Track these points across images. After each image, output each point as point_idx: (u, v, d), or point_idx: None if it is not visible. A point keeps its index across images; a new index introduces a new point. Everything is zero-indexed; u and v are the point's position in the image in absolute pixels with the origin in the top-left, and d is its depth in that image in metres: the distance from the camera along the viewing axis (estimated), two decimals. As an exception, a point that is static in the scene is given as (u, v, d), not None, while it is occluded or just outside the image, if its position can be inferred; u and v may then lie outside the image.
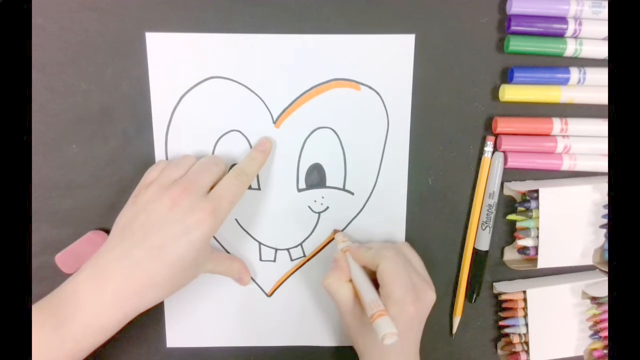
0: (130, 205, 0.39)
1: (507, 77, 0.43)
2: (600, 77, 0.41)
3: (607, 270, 0.43)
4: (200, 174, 0.39)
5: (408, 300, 0.37)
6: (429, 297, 0.39)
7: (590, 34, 0.41)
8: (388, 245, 0.42)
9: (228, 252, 0.45)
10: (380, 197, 0.44)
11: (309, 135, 0.43)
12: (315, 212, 0.45)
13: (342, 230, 0.45)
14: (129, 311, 0.36)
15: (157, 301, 0.37)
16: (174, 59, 0.41)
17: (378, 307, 0.36)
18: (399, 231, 0.45)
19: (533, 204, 0.43)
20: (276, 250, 0.45)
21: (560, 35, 0.41)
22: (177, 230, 0.36)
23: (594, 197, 0.43)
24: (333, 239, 0.45)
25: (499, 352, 0.47)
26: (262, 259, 0.46)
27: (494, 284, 0.46)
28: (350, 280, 0.40)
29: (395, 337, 0.34)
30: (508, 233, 0.45)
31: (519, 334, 0.45)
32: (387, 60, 0.42)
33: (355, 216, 0.45)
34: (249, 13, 0.41)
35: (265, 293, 0.46)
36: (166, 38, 0.41)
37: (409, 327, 0.38)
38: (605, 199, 0.43)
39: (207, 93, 0.42)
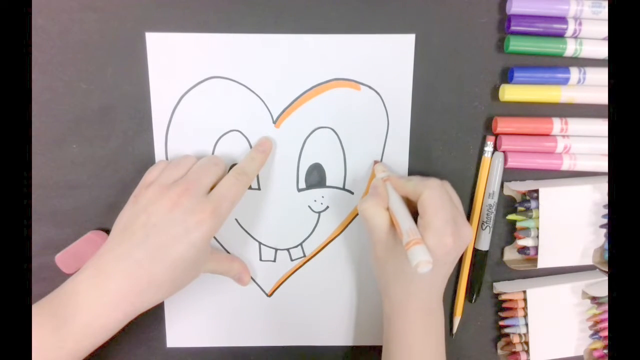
0: (130, 206, 0.39)
1: (507, 77, 0.43)
2: (600, 77, 0.41)
3: (607, 270, 0.43)
4: (201, 174, 0.39)
5: (447, 231, 0.36)
6: (467, 234, 0.38)
7: (590, 34, 0.41)
8: (431, 177, 0.40)
9: (228, 252, 0.45)
10: (380, 197, 0.44)
11: (309, 135, 0.43)
12: (315, 212, 0.45)
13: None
14: (130, 311, 0.36)
15: (158, 301, 0.37)
16: (174, 59, 0.41)
17: (415, 235, 0.35)
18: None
19: (533, 204, 0.43)
20: (276, 250, 0.45)
21: (560, 35, 0.41)
22: (177, 231, 0.36)
23: (594, 197, 0.43)
24: (333, 239, 0.45)
25: (499, 352, 0.47)
26: (262, 259, 0.46)
27: (494, 284, 0.46)
28: (387, 209, 0.39)
29: (430, 265, 0.33)
30: (508, 233, 0.45)
31: (519, 334, 0.45)
32: (387, 60, 0.42)
33: (356, 216, 0.45)
34: (249, 13, 0.41)
35: (265, 293, 0.46)
36: (166, 38, 0.41)
37: (442, 262, 0.37)
38: (605, 199, 0.43)
39: (207, 93, 0.42)
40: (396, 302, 0.39)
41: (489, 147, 0.43)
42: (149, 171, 0.41)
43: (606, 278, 0.44)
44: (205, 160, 0.40)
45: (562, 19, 0.41)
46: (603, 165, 0.43)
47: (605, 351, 0.45)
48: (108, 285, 0.35)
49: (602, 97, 0.42)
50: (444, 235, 0.36)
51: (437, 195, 0.37)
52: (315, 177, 0.44)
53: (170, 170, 0.39)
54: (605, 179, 0.43)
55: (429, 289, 0.39)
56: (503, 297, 0.46)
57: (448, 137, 0.44)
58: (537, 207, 0.43)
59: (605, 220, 0.43)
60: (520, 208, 0.44)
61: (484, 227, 0.44)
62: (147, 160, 0.43)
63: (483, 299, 0.46)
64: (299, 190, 0.44)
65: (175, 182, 0.38)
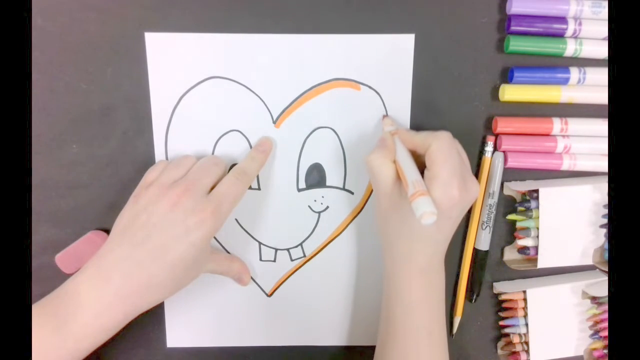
0: (130, 206, 0.39)
1: (507, 77, 0.43)
2: (600, 77, 0.41)
3: (607, 270, 0.43)
4: (201, 174, 0.39)
5: (454, 184, 0.35)
6: (475, 189, 0.37)
7: (590, 34, 0.41)
8: (442, 130, 0.38)
9: (228, 252, 0.45)
10: (380, 197, 0.44)
11: (308, 135, 0.43)
12: (315, 212, 0.45)
13: (341, 233, 0.45)
14: (130, 311, 0.36)
15: (158, 301, 0.37)
16: (173, 59, 0.41)
17: (420, 187, 0.34)
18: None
19: (533, 203, 0.43)
20: (276, 250, 0.45)
21: (560, 35, 0.41)
22: (178, 231, 0.36)
23: (594, 197, 0.43)
24: (333, 239, 0.45)
25: (499, 352, 0.47)
26: (262, 259, 0.46)
27: (494, 284, 0.46)
28: (394, 162, 0.38)
29: (434, 217, 0.32)
30: (508, 233, 0.45)
31: (519, 334, 0.45)
32: (387, 60, 0.42)
33: (356, 216, 0.45)
34: (249, 13, 0.41)
35: (265, 293, 0.46)
36: (166, 38, 0.41)
37: (447, 215, 0.36)
38: (605, 199, 0.43)
39: (207, 93, 0.42)
40: (398, 258, 0.38)
41: (489, 147, 0.43)
42: (149, 171, 0.41)
43: (606, 278, 0.44)
44: (205, 160, 0.40)
45: (562, 19, 0.41)
46: (603, 165, 0.43)
47: (605, 351, 0.45)
48: (108, 286, 0.35)
49: (602, 97, 0.42)
50: (450, 188, 0.35)
51: (446, 147, 0.36)
52: (315, 177, 0.44)
53: (170, 170, 0.39)
54: (605, 179, 0.43)
55: (432, 245, 0.38)
56: (503, 297, 0.46)
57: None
58: (537, 207, 0.43)
59: (605, 220, 0.43)
60: (520, 208, 0.44)
61: (484, 227, 0.44)
62: (147, 160, 0.43)
63: (483, 299, 0.46)
64: (299, 190, 0.44)
65: (175, 182, 0.38)
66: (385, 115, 0.43)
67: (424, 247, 0.38)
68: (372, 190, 0.44)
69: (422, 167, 0.37)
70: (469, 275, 0.45)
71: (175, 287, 0.38)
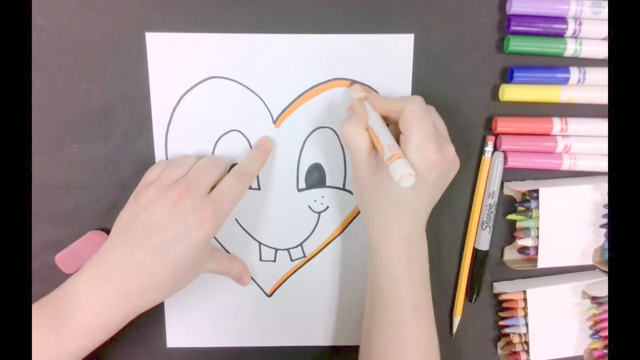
0: (130, 206, 0.39)
1: (507, 77, 0.43)
2: (600, 77, 0.41)
3: (607, 270, 0.43)
4: (201, 174, 0.39)
5: (430, 146, 0.35)
6: (451, 153, 0.37)
7: (590, 34, 0.41)
8: (414, 95, 0.39)
9: (228, 252, 0.45)
10: (380, 197, 0.44)
11: (308, 135, 0.43)
12: (315, 212, 0.45)
13: (342, 230, 0.45)
14: (130, 311, 0.36)
15: (159, 301, 0.37)
16: (173, 59, 0.41)
17: (396, 150, 0.34)
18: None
19: (533, 203, 0.43)
20: (276, 250, 0.45)
21: (560, 35, 0.41)
22: (178, 231, 0.36)
23: (594, 197, 0.43)
24: (333, 239, 0.45)
25: (499, 352, 0.47)
26: (262, 259, 0.46)
27: (494, 283, 0.46)
28: (367, 130, 0.37)
29: (412, 178, 0.32)
30: (508, 233, 0.45)
31: (519, 334, 0.45)
32: (386, 60, 0.42)
33: (356, 216, 0.45)
34: (249, 13, 0.41)
35: (265, 293, 0.46)
36: (166, 38, 0.41)
37: (424, 179, 0.36)
38: (605, 199, 0.43)
39: (207, 93, 0.42)
40: (380, 229, 0.38)
41: (489, 147, 0.43)
42: (149, 171, 0.41)
43: (606, 278, 0.44)
44: (205, 160, 0.40)
45: (562, 19, 0.41)
46: (603, 165, 0.43)
47: (605, 351, 0.45)
48: (108, 285, 0.35)
49: (602, 97, 0.42)
50: (426, 150, 0.35)
51: (419, 110, 0.36)
52: (315, 177, 0.44)
53: (171, 170, 0.39)
54: (605, 179, 0.43)
55: (412, 213, 0.38)
56: (503, 297, 0.46)
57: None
58: (537, 207, 0.43)
59: (605, 220, 0.43)
60: (520, 208, 0.44)
61: (484, 227, 0.44)
62: (147, 160, 0.43)
63: (483, 299, 0.46)
64: (299, 190, 0.44)
65: (175, 182, 0.38)
66: (353, 82, 0.42)
67: (404, 215, 0.37)
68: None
69: (395, 133, 0.37)
70: (469, 275, 0.45)
71: (175, 287, 0.38)
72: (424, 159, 0.35)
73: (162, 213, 0.36)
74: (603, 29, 0.40)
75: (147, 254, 0.35)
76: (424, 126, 0.35)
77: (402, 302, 0.38)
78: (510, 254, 0.46)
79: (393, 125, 0.39)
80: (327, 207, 0.45)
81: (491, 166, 0.43)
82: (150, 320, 0.45)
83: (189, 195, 0.37)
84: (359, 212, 0.45)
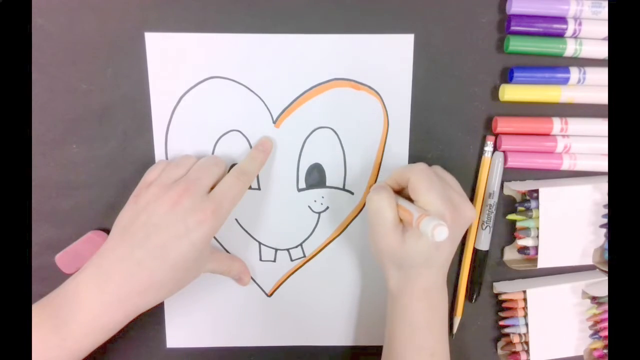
0: (130, 206, 0.39)
1: (507, 77, 0.43)
2: (600, 77, 0.41)
3: (607, 270, 0.43)
4: (201, 174, 0.39)
5: (442, 206, 0.36)
6: (468, 212, 0.38)
7: (590, 34, 0.41)
8: (418, 162, 0.40)
9: (228, 252, 0.45)
10: (380, 197, 0.44)
11: (308, 135, 0.43)
12: (315, 212, 0.45)
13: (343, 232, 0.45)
14: (130, 311, 0.36)
15: (159, 301, 0.37)
16: (173, 59, 0.41)
17: (422, 211, 0.35)
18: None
19: (533, 203, 0.43)
20: (276, 250, 0.45)
21: (560, 35, 0.41)
22: (178, 231, 0.36)
23: (594, 196, 0.43)
24: (333, 239, 0.45)
25: (499, 352, 0.47)
26: (262, 259, 0.46)
27: (494, 284, 0.46)
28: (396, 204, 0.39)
29: (445, 229, 0.32)
30: (508, 233, 0.45)
31: (519, 334, 0.45)
32: (386, 60, 0.42)
33: (356, 216, 0.45)
34: (249, 13, 0.41)
35: (265, 293, 0.46)
36: (166, 38, 0.41)
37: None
38: (605, 199, 0.43)
39: (207, 93, 0.42)
40: (401, 281, 0.39)
41: (489, 147, 0.43)
42: (149, 171, 0.41)
43: (606, 278, 0.44)
44: (205, 160, 0.40)
45: (562, 19, 0.41)
46: (603, 165, 0.43)
47: (605, 351, 0.45)
48: (109, 285, 0.35)
49: (602, 97, 0.42)
50: (439, 211, 0.36)
51: (423, 176, 0.37)
52: (315, 177, 0.44)
53: (171, 170, 0.39)
54: (605, 179, 0.43)
55: (435, 267, 0.39)
56: (503, 297, 0.46)
57: (448, 137, 0.44)
58: (537, 207, 0.43)
59: (605, 220, 0.43)
60: (520, 208, 0.44)
61: (484, 227, 0.44)
62: (147, 160, 0.43)
63: (483, 299, 0.46)
64: (299, 190, 0.44)
65: (175, 182, 0.38)
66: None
67: (426, 269, 0.38)
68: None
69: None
70: (469, 275, 0.45)
71: (175, 287, 0.38)
72: (439, 214, 0.36)
73: (162, 213, 0.36)
74: (603, 29, 0.40)
75: (147, 254, 0.35)
76: (432, 190, 0.37)
77: (419, 352, 0.38)
78: (510, 254, 0.46)
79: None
80: (327, 207, 0.45)
81: (491, 166, 0.43)
82: (150, 320, 0.45)
83: (188, 195, 0.37)
84: (359, 212, 0.45)
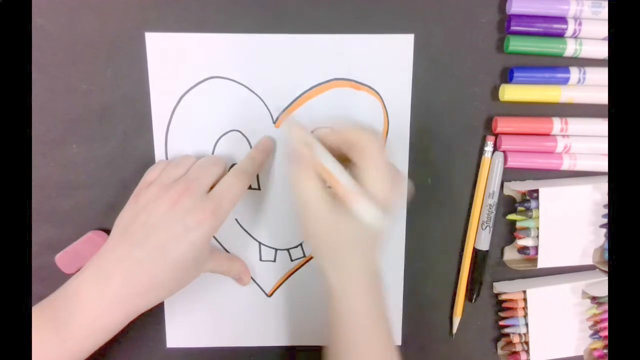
0: (130, 205, 0.39)
1: (507, 77, 0.43)
2: (600, 77, 0.41)
3: (607, 270, 0.43)
4: (201, 173, 0.39)
5: (388, 178, 0.34)
6: (402, 183, 0.37)
7: (590, 34, 0.41)
8: (362, 125, 0.36)
9: (228, 252, 0.45)
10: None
11: (309, 135, 0.43)
12: (315, 212, 0.45)
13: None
14: (131, 312, 0.36)
15: (159, 301, 0.37)
16: (173, 59, 0.41)
17: (358, 190, 0.33)
18: (399, 231, 0.45)
19: (533, 203, 0.43)
20: (276, 250, 0.45)
21: (560, 35, 0.41)
22: (178, 230, 0.36)
23: (594, 196, 0.43)
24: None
25: (499, 352, 0.47)
26: (262, 259, 0.46)
27: (494, 284, 0.46)
28: (317, 176, 0.35)
29: (380, 215, 0.31)
30: (508, 233, 0.45)
31: (519, 334, 0.45)
32: (386, 60, 0.42)
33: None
34: (249, 13, 0.41)
35: (265, 293, 0.46)
36: (166, 38, 0.41)
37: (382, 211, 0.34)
38: (605, 199, 0.43)
39: (207, 93, 0.42)
40: (338, 266, 0.37)
41: (489, 147, 0.43)
42: (149, 171, 0.41)
43: (606, 278, 0.44)
44: (205, 160, 0.40)
45: (562, 19, 0.41)
46: (603, 165, 0.43)
47: (605, 351, 0.45)
48: (109, 286, 0.35)
49: (602, 97, 0.42)
50: (385, 182, 0.34)
51: (377, 142, 0.35)
52: (315, 177, 0.44)
53: (170, 169, 0.39)
54: (605, 179, 0.43)
55: (371, 245, 0.37)
56: (503, 297, 0.46)
57: (448, 137, 0.44)
58: (537, 207, 0.43)
59: (605, 220, 0.43)
60: (520, 208, 0.44)
61: (484, 227, 0.44)
62: (147, 160, 0.43)
63: (483, 299, 0.46)
64: (299, 190, 0.44)
65: (175, 182, 0.38)
66: (286, 117, 0.40)
67: (362, 249, 0.36)
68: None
69: (340, 160, 0.36)
70: (469, 275, 0.45)
71: (175, 287, 0.38)
72: (382, 191, 0.34)
73: (161, 213, 0.36)
74: (603, 29, 0.40)
75: (147, 254, 0.35)
76: (382, 158, 0.35)
77: (362, 335, 0.37)
78: (510, 254, 0.46)
79: (339, 153, 0.37)
80: (327, 207, 0.44)
81: (491, 166, 0.43)
82: (150, 320, 0.45)
83: (188, 194, 0.37)
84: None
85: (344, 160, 0.36)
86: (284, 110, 0.43)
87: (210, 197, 0.37)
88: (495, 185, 0.43)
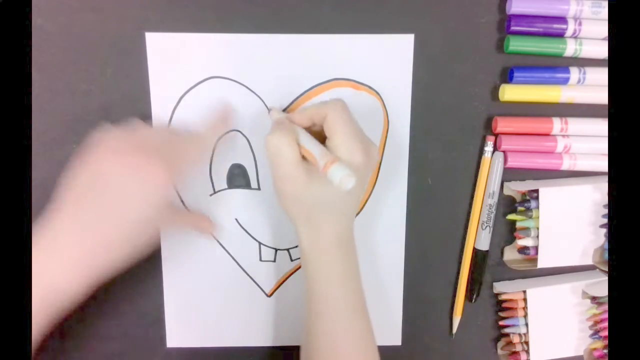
0: (78, 167, 0.37)
1: (507, 77, 0.43)
2: (600, 77, 0.41)
3: (607, 270, 0.43)
4: (152, 134, 0.38)
5: (358, 148, 0.36)
6: (374, 152, 0.38)
7: (590, 34, 0.41)
8: (331, 99, 0.39)
9: (228, 252, 0.45)
10: (380, 197, 0.44)
11: (309, 135, 0.43)
12: (315, 212, 0.45)
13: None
14: (87, 274, 0.35)
15: (120, 263, 0.36)
16: (174, 59, 0.41)
17: (330, 157, 0.34)
18: (399, 231, 0.45)
19: (533, 203, 0.43)
20: (276, 250, 0.45)
21: (560, 35, 0.41)
22: (128, 190, 0.35)
23: (594, 196, 0.43)
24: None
25: (499, 352, 0.47)
26: (262, 259, 0.46)
27: (494, 284, 0.46)
28: (296, 142, 0.37)
29: (352, 179, 0.32)
30: (508, 233, 0.45)
31: (519, 334, 0.45)
32: (386, 60, 0.42)
33: (356, 216, 0.45)
34: (249, 13, 0.41)
35: (265, 293, 0.46)
36: (166, 38, 0.41)
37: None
38: (605, 199, 0.43)
39: (207, 93, 0.42)
40: (312, 234, 0.38)
41: (489, 147, 0.43)
42: (97, 134, 0.38)
43: (606, 278, 0.44)
44: (157, 125, 0.40)
45: (562, 19, 0.41)
46: (603, 165, 0.43)
47: (605, 351, 0.45)
48: (61, 249, 0.34)
49: (602, 97, 0.42)
50: (354, 151, 0.36)
51: (342, 114, 0.37)
52: (315, 177, 0.44)
53: (119, 131, 0.38)
54: (605, 179, 0.43)
55: (344, 213, 0.38)
56: (503, 297, 0.46)
57: (448, 137, 0.44)
58: (537, 207, 0.43)
59: (605, 220, 0.43)
60: (520, 208, 0.44)
61: (484, 227, 0.44)
62: (147, 160, 0.43)
63: (483, 299, 0.46)
64: (299, 190, 0.44)
65: (125, 141, 0.37)
66: (271, 109, 0.42)
67: (335, 217, 0.38)
68: (372, 190, 0.44)
69: (320, 140, 0.37)
70: (469, 275, 0.45)
71: (131, 248, 0.36)
72: (352, 161, 0.36)
73: (111, 173, 0.35)
74: (603, 29, 0.40)
75: (95, 215, 0.35)
76: (349, 128, 0.36)
77: (342, 307, 0.38)
78: (510, 254, 0.46)
79: (317, 132, 0.38)
80: (327, 207, 0.44)
81: (491, 166, 0.43)
82: (150, 320, 0.45)
83: (138, 153, 0.35)
84: (359, 212, 0.45)
85: (321, 139, 0.37)
86: (284, 111, 0.43)
87: (162, 156, 0.36)
88: (495, 185, 0.43)
